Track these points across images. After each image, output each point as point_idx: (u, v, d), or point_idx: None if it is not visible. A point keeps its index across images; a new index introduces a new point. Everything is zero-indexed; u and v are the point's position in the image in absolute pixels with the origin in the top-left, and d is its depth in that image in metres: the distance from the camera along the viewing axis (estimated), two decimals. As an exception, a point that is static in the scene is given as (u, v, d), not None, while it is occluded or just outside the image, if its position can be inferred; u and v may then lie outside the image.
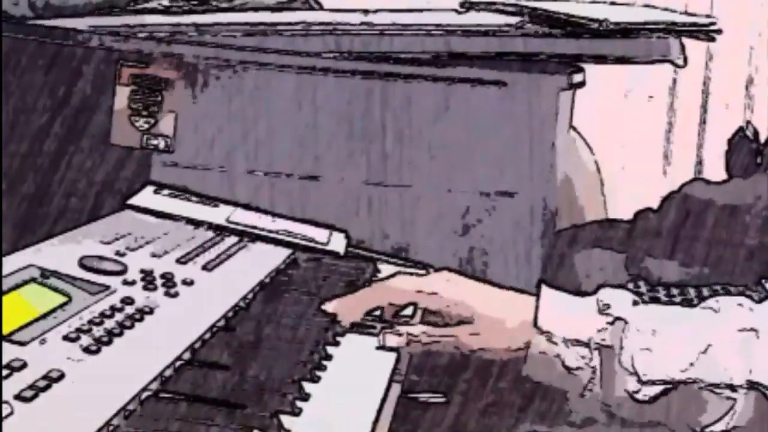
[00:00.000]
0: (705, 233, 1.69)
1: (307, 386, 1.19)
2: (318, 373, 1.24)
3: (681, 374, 1.25)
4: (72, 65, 1.71)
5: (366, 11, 1.79)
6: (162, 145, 1.73)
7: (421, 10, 1.81)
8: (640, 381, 1.26)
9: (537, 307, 1.31)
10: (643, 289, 1.72)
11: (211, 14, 1.82)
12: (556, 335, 1.29)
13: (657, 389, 1.26)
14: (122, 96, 1.73)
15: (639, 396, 1.26)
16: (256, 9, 1.90)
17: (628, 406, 1.28)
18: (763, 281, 1.53)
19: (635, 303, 1.31)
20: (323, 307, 1.38)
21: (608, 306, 1.29)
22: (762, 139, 1.84)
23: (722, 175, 1.82)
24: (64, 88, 1.71)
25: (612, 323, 1.28)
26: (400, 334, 1.34)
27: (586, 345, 1.28)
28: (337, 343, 1.34)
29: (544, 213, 1.73)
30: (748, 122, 2.13)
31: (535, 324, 1.30)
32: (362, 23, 1.75)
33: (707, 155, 2.33)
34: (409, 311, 1.40)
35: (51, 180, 1.70)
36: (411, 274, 1.48)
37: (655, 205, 1.75)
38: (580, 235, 1.77)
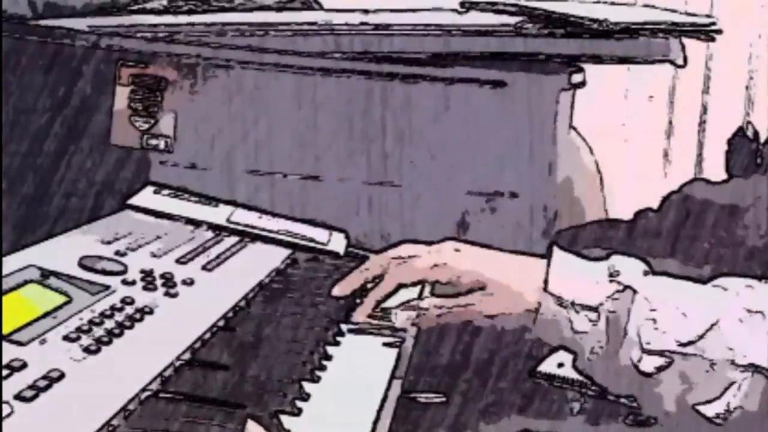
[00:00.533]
0: (705, 233, 1.69)
1: (307, 386, 1.19)
2: (318, 373, 1.24)
3: (684, 347, 1.25)
4: (72, 65, 1.71)
5: (366, 11, 1.79)
6: (162, 145, 1.73)
7: (421, 10, 1.81)
8: (643, 350, 1.26)
9: (548, 270, 1.30)
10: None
11: (211, 14, 1.82)
12: (566, 299, 1.29)
13: (659, 361, 1.26)
14: (122, 96, 1.73)
15: (642, 366, 1.26)
16: (256, 9, 1.90)
17: (629, 375, 1.28)
18: (764, 281, 1.53)
19: (646, 273, 1.30)
20: (333, 292, 1.39)
21: (618, 273, 1.29)
22: (762, 139, 1.84)
23: (722, 175, 1.82)
24: (64, 88, 1.71)
25: (622, 291, 1.28)
26: (412, 309, 1.33)
27: (595, 310, 1.28)
28: (337, 343, 1.34)
29: (545, 213, 1.73)
30: (748, 122, 2.13)
31: (545, 287, 1.29)
32: (362, 23, 1.75)
33: (707, 155, 2.33)
34: (414, 293, 1.40)
35: (51, 180, 1.70)
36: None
37: (655, 205, 1.75)
38: (580, 235, 1.77)
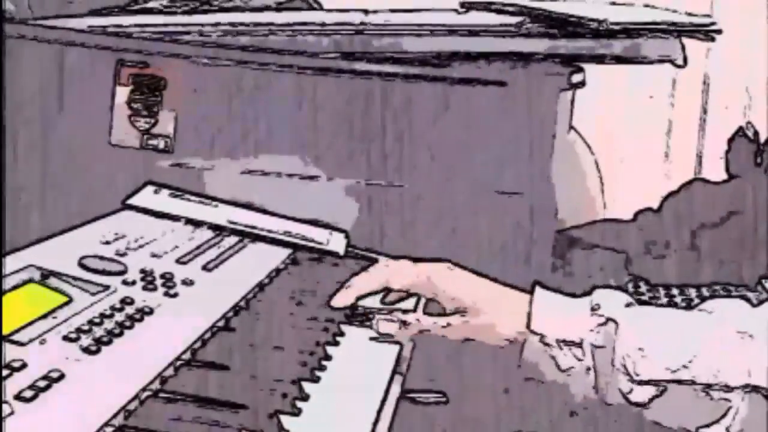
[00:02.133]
0: (705, 233, 1.69)
1: (307, 386, 1.19)
2: (318, 373, 1.24)
3: (674, 375, 1.25)
4: (72, 65, 1.71)
5: (366, 11, 1.79)
6: (162, 145, 1.73)
7: (421, 10, 1.81)
8: (632, 381, 1.26)
9: (530, 309, 1.31)
10: (643, 289, 1.72)
11: (211, 14, 1.82)
12: (549, 337, 1.30)
13: (650, 390, 1.26)
14: (122, 96, 1.73)
15: (632, 397, 1.26)
16: (256, 9, 1.90)
17: (622, 407, 1.28)
18: (763, 281, 1.53)
19: (628, 304, 1.31)
20: (332, 303, 1.39)
21: (599, 306, 1.29)
22: (762, 139, 1.84)
23: (722, 175, 1.82)
24: (64, 88, 1.71)
25: (604, 324, 1.28)
26: (394, 321, 1.35)
27: (580, 346, 1.29)
28: (337, 343, 1.34)
29: (544, 213, 1.73)
30: (748, 122, 2.13)
31: (528, 325, 1.30)
32: (362, 23, 1.75)
33: (707, 155, 2.33)
34: (411, 304, 1.41)
35: (51, 180, 1.70)
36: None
37: (655, 205, 1.75)
38: (580, 235, 1.77)
